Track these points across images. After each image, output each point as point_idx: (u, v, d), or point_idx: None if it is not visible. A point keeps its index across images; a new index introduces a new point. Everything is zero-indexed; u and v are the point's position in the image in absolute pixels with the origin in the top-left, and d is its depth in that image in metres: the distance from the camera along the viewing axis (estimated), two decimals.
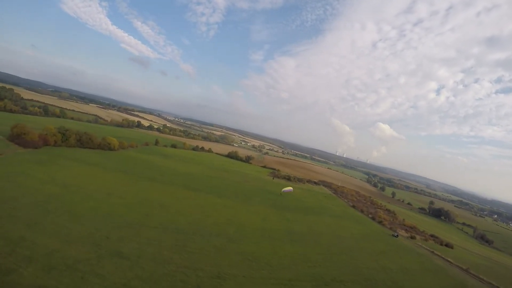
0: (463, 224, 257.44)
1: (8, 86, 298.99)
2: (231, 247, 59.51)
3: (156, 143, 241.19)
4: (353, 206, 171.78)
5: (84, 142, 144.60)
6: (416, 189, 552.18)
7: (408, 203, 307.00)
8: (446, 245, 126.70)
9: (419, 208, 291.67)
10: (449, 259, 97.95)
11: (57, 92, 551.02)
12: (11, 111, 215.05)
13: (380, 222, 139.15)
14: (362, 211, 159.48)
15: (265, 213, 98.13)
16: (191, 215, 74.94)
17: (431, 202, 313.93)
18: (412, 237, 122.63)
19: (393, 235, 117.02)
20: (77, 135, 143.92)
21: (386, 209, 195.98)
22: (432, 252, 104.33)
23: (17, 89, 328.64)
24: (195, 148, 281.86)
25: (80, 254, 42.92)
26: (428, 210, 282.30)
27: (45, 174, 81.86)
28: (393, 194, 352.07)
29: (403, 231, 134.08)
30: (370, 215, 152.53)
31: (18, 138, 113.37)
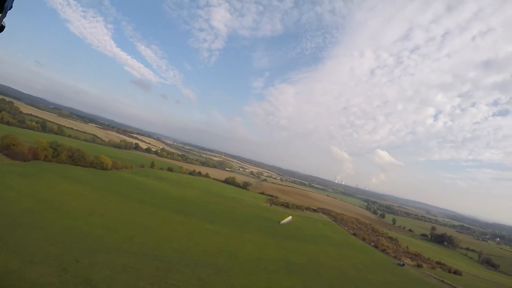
0: (467, 249, 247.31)
1: (8, 99, 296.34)
2: (219, 280, 51.85)
3: (152, 165, 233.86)
4: (354, 234, 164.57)
5: (76, 159, 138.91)
6: (417, 215, 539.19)
7: (409, 230, 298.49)
8: (455, 273, 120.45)
9: (421, 234, 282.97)
10: None
11: (57, 109, 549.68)
12: (8, 123, 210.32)
13: (383, 251, 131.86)
14: (363, 239, 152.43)
15: (261, 242, 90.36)
16: (178, 241, 67.50)
17: (433, 228, 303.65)
18: (419, 266, 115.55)
19: (398, 264, 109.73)
20: (69, 151, 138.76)
21: (388, 237, 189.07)
22: (442, 281, 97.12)
23: (17, 103, 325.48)
24: (191, 173, 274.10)
25: (41, 278, 36.76)
26: (430, 236, 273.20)
27: (26, 186, 77.01)
28: (394, 221, 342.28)
29: (408, 259, 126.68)
30: (372, 243, 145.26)
31: (7, 149, 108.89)
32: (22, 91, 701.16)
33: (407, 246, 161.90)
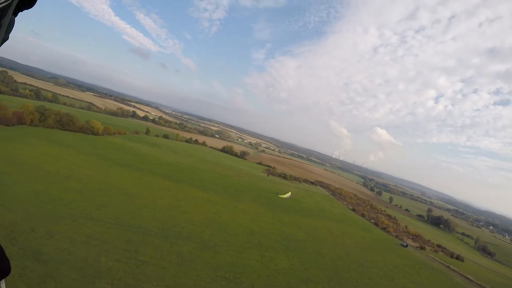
0: (463, 234, 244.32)
1: (1, 69, 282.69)
2: (202, 257, 43.92)
3: (147, 132, 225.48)
4: (353, 210, 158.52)
5: (64, 123, 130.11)
6: (412, 195, 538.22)
7: (406, 209, 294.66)
8: (457, 258, 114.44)
9: (417, 215, 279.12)
10: (469, 277, 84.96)
11: (54, 78, 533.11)
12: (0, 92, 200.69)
13: (384, 229, 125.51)
14: (363, 215, 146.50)
15: (256, 213, 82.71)
16: (160, 210, 59.32)
17: (429, 210, 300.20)
18: (422, 248, 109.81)
19: (401, 245, 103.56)
20: (57, 115, 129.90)
21: (387, 215, 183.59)
22: (448, 267, 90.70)
23: (12, 72, 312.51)
24: (188, 141, 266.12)
25: None
26: (427, 218, 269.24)
27: (2, 150, 69.15)
28: (391, 199, 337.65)
29: (409, 240, 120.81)
30: (372, 220, 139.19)
31: None
32: (18, 61, 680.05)
33: (406, 226, 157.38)
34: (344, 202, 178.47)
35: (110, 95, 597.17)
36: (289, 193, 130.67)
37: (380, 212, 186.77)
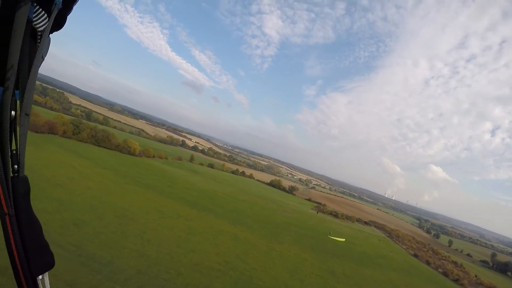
0: None
1: (59, 90, 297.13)
2: None
3: (191, 159, 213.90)
4: (415, 255, 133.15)
5: (99, 139, 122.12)
6: (471, 238, 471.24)
7: (468, 254, 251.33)
8: None
9: (480, 260, 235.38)
10: None
11: (110, 105, 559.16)
12: (51, 108, 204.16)
13: (456, 281, 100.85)
14: (428, 263, 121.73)
15: (299, 259, 61.30)
16: (159, 244, 41.40)
17: (494, 254, 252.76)
18: None
19: None
20: (92, 130, 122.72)
21: (452, 261, 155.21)
22: None
23: (70, 95, 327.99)
24: (234, 172, 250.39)
25: None
26: (491, 264, 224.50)
27: None
28: (450, 242, 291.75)
29: None
30: (440, 270, 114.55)
31: None
32: (80, 88, 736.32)
33: (475, 275, 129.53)
34: (403, 246, 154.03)
35: (163, 124, 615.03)
36: (344, 239, 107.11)
37: (444, 258, 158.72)
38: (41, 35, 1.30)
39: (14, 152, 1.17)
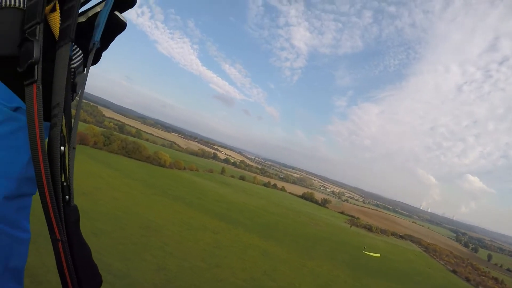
0: None
1: (92, 103, 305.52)
2: None
3: (222, 172, 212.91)
4: (454, 271, 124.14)
5: (130, 151, 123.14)
6: (511, 252, 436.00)
7: (508, 269, 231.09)
8: None
9: None
10: None
11: (143, 119, 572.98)
12: (84, 121, 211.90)
13: None
14: (468, 280, 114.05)
15: (331, 276, 56.48)
16: (180, 257, 38.61)
17: None
18: None
19: None
20: (123, 141, 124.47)
21: (493, 277, 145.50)
22: None
23: (104, 109, 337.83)
24: (266, 184, 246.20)
25: None
26: None
27: None
28: (489, 257, 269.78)
29: None
30: (480, 287, 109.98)
31: None
32: (114, 102, 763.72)
33: None
34: (441, 262, 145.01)
35: (195, 138, 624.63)
36: (379, 255, 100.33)
37: (484, 274, 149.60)
38: (74, 72, 1.33)
39: (65, 184, 1.23)
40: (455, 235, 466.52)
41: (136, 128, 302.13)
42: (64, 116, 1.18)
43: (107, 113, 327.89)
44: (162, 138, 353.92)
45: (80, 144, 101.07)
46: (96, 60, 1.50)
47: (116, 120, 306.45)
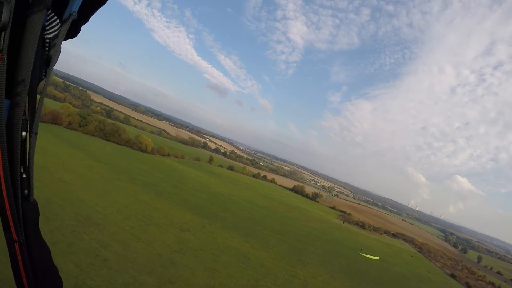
0: None
1: (81, 88, 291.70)
2: None
3: (210, 160, 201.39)
4: (452, 275, 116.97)
5: (108, 133, 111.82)
6: (498, 254, 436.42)
7: (498, 272, 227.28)
8: None
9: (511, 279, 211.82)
10: None
11: (134, 106, 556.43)
12: (70, 104, 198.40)
13: None
14: (468, 285, 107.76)
15: (325, 286, 46.04)
16: (126, 270, 26.49)
17: None
18: None
19: None
20: (100, 123, 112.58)
21: (490, 282, 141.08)
22: None
23: (94, 94, 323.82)
24: (255, 176, 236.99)
25: None
26: None
27: None
28: (479, 258, 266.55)
29: None
30: None
31: None
32: (106, 89, 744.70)
33: None
34: (437, 264, 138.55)
35: (186, 126, 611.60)
36: (377, 257, 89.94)
37: (480, 278, 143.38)
38: (49, 44, 1.19)
39: (24, 176, 1.08)
40: (443, 234, 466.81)
41: (125, 114, 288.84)
42: (29, 96, 0.99)
43: (97, 98, 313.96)
44: (152, 125, 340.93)
45: (51, 123, 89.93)
46: (74, 34, 1.31)
47: (104, 105, 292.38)
